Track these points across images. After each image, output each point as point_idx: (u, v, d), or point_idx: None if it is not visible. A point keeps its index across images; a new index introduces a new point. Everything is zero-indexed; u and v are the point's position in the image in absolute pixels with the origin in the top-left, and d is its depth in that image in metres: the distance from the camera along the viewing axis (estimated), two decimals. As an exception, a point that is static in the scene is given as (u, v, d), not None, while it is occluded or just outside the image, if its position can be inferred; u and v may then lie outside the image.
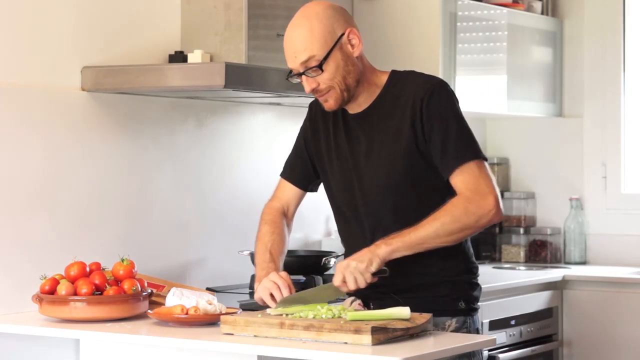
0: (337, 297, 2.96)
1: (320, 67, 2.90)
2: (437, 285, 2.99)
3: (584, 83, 5.37)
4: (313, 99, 3.17)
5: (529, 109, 5.20)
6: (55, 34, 3.50)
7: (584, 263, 5.29)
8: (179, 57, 3.73)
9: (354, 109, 3.03)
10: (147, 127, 3.79)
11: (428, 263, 2.95)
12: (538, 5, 5.29)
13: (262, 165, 4.24)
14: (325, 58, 2.89)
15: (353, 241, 3.05)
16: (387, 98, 2.99)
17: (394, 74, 3.03)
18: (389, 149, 2.96)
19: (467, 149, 2.92)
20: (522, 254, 5.38)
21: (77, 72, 3.57)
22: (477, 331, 3.05)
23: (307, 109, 3.22)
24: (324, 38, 2.90)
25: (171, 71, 3.52)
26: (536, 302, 4.68)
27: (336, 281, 2.87)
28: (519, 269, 5.14)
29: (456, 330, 2.98)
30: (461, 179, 2.90)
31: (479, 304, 3.07)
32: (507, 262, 5.37)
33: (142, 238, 3.76)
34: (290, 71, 2.96)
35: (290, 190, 3.21)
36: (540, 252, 5.36)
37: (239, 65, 3.57)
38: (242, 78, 3.47)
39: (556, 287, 4.82)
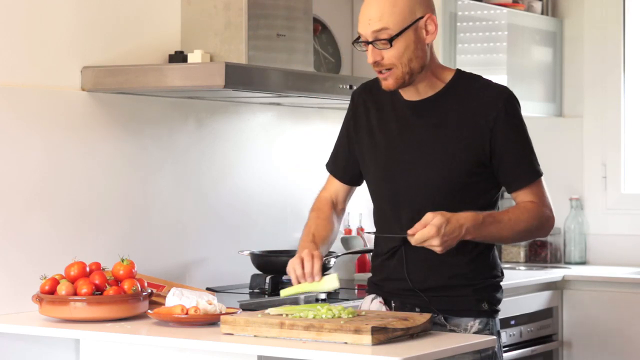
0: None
1: (390, 41, 2.85)
2: (462, 286, 2.97)
3: (584, 83, 5.37)
4: (322, 97, 3.14)
5: (529, 109, 5.20)
6: (55, 34, 3.50)
7: (584, 263, 5.29)
8: (179, 57, 3.73)
9: (411, 95, 2.98)
10: (147, 127, 3.79)
11: (455, 263, 2.93)
12: (538, 5, 5.29)
13: (261, 165, 4.24)
14: (398, 35, 2.84)
15: (387, 232, 3.02)
16: (454, 94, 2.96)
17: (460, 73, 3.01)
18: (448, 144, 2.92)
19: (538, 166, 2.98)
20: (522, 254, 5.38)
21: (77, 72, 3.57)
22: (498, 333, 3.02)
23: (306, 109, 3.22)
24: (403, 14, 2.85)
25: (171, 71, 3.52)
26: (536, 302, 4.68)
27: (416, 229, 2.76)
28: (519, 269, 5.14)
29: (479, 331, 2.96)
30: (534, 192, 2.96)
31: (500, 306, 3.05)
32: (507, 262, 5.37)
33: (142, 238, 3.75)
34: (359, 37, 2.90)
35: (336, 183, 3.16)
36: (540, 252, 5.36)
37: (239, 65, 3.57)
38: (242, 78, 3.47)
39: (556, 287, 4.82)
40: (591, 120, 5.36)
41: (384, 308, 2.97)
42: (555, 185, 5.42)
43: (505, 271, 5.01)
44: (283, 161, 4.31)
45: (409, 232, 2.77)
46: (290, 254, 4.04)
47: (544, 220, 2.95)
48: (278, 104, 4.23)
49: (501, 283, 3.05)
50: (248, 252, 3.95)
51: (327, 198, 3.16)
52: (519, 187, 2.95)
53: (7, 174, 3.35)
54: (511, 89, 3.01)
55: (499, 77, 4.96)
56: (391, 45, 2.85)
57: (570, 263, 5.29)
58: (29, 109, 3.41)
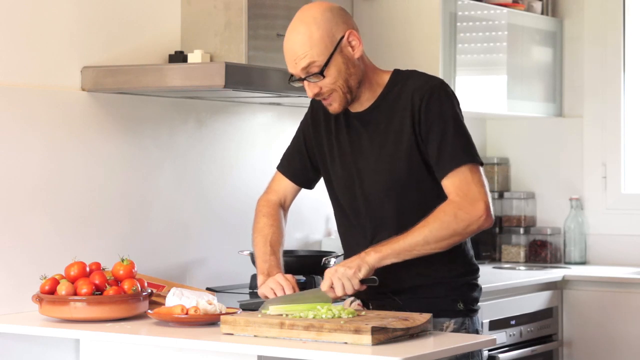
0: (325, 302, 2.95)
1: (321, 73, 2.89)
2: (436, 287, 2.99)
3: (584, 83, 5.37)
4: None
5: (529, 109, 5.20)
6: (55, 34, 3.50)
7: (584, 263, 5.29)
8: (179, 57, 3.73)
9: (356, 108, 3.02)
10: (147, 127, 3.79)
11: (427, 265, 2.94)
12: (538, 5, 5.29)
13: (261, 165, 4.24)
14: (326, 64, 2.88)
15: (353, 241, 3.05)
16: (389, 98, 2.99)
17: (396, 73, 3.03)
18: (390, 149, 2.96)
19: (462, 152, 2.90)
20: (522, 254, 5.38)
21: (77, 72, 3.57)
22: (476, 332, 3.04)
23: (306, 109, 3.21)
24: (323, 43, 2.88)
25: (171, 71, 3.52)
26: (536, 302, 4.68)
27: (324, 286, 2.88)
28: (519, 269, 5.14)
29: (455, 331, 2.98)
30: (452, 182, 2.89)
31: (479, 304, 3.07)
32: (507, 262, 5.37)
33: (142, 238, 3.76)
34: (292, 75, 2.95)
35: (287, 184, 3.20)
36: (540, 252, 5.36)
37: (239, 65, 3.57)
38: (242, 78, 3.47)
39: (556, 287, 4.82)
40: (591, 120, 5.36)
41: (360, 309, 2.98)
42: (555, 185, 5.43)
43: (505, 271, 5.08)
44: (283, 161, 4.30)
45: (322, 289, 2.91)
46: (291, 254, 4.05)
47: (461, 215, 2.86)
48: (278, 104, 4.23)
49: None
50: (248, 252, 3.94)
51: (275, 202, 3.19)
52: (441, 176, 2.91)
53: (7, 173, 3.35)
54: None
55: (499, 77, 4.96)
56: (324, 76, 2.89)
57: (570, 263, 5.29)
58: (29, 109, 3.41)
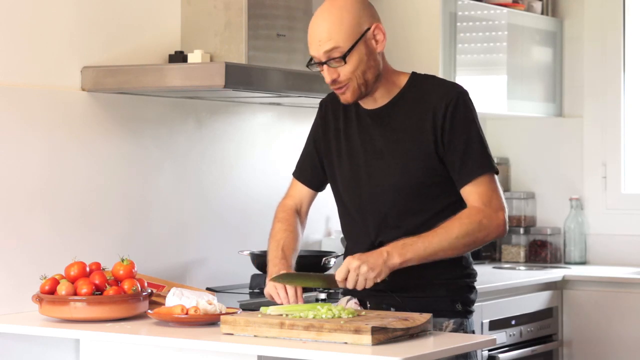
0: (330, 288, 2.93)
1: (343, 58, 2.88)
2: (436, 286, 2.99)
3: (584, 83, 5.37)
4: (322, 97, 3.17)
5: (529, 109, 5.20)
6: (55, 34, 3.50)
7: (584, 263, 5.29)
8: (179, 57, 3.73)
9: (369, 104, 3.02)
10: (147, 127, 3.79)
11: (428, 265, 2.93)
12: (538, 5, 5.29)
13: (262, 165, 4.24)
14: (350, 50, 2.87)
15: (357, 238, 3.05)
16: (407, 98, 2.98)
17: (415, 76, 3.03)
18: (405, 149, 2.95)
19: (485, 161, 2.94)
20: (522, 254, 5.38)
21: (77, 72, 3.57)
22: (472, 333, 3.05)
23: (306, 109, 3.22)
24: (350, 30, 2.88)
25: (171, 71, 3.52)
26: (536, 302, 4.68)
27: (339, 275, 2.85)
28: (519, 269, 5.14)
29: (453, 331, 2.98)
30: (476, 190, 2.92)
31: (474, 307, 3.07)
32: (507, 262, 5.37)
33: (142, 238, 3.76)
34: (311, 59, 2.94)
35: (302, 189, 3.21)
36: (540, 252, 5.36)
37: (239, 65, 3.57)
38: (242, 78, 3.47)
39: (556, 287, 4.82)
40: (591, 120, 5.36)
41: (359, 309, 2.98)
42: (555, 185, 5.43)
43: (505, 271, 5.08)
44: (283, 161, 4.30)
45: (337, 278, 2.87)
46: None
47: (485, 223, 2.90)
48: (278, 104, 4.23)
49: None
50: (248, 252, 3.95)
51: (291, 206, 3.20)
52: (463, 183, 2.93)
53: (7, 174, 3.35)
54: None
55: (499, 77, 4.96)
56: (345, 62, 2.88)
57: (570, 263, 5.29)
58: (29, 109, 3.41)
